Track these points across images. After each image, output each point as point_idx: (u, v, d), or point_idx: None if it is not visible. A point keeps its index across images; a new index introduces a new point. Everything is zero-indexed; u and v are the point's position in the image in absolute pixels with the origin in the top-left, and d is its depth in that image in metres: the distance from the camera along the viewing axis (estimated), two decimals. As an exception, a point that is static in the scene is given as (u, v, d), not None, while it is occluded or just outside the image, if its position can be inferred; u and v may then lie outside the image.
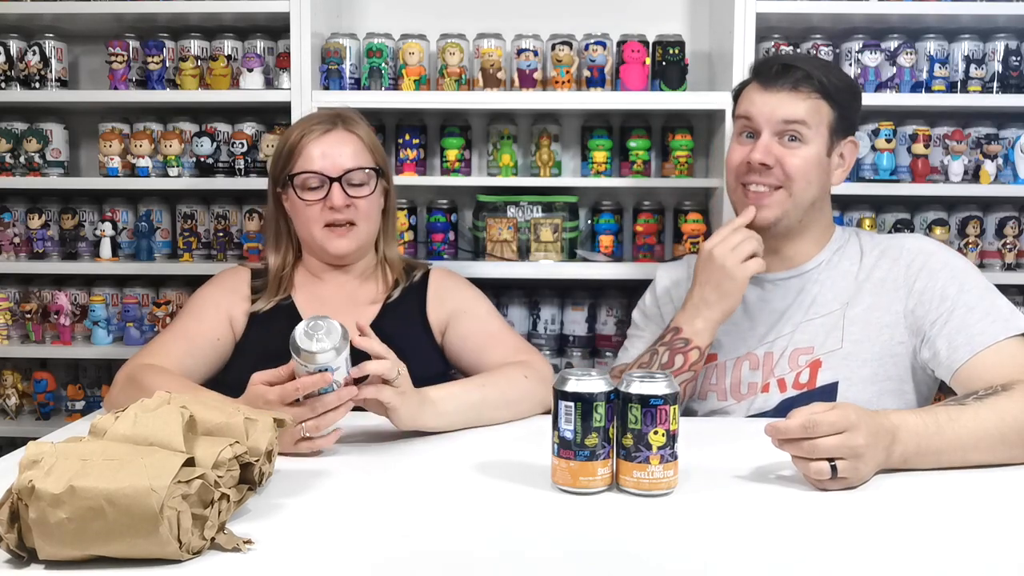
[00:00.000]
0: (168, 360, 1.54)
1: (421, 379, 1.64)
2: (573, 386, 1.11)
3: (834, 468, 1.11)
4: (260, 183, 2.41)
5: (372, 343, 1.31)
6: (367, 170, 1.63)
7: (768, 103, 1.53)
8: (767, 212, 1.54)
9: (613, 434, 1.13)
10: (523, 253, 2.41)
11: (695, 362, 1.52)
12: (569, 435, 1.11)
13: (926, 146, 2.37)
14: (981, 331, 1.42)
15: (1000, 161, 2.38)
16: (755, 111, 1.54)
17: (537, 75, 2.37)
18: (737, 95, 1.64)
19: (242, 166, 2.43)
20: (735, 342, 1.61)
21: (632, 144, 2.46)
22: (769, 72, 1.55)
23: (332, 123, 1.65)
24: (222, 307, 1.64)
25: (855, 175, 2.40)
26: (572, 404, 1.11)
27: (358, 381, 1.29)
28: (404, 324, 1.68)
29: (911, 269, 1.53)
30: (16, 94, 2.47)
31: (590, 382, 1.11)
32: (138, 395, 1.40)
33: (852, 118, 1.59)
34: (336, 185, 1.59)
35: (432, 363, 1.69)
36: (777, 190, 1.53)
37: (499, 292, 2.53)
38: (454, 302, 1.72)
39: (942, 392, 1.64)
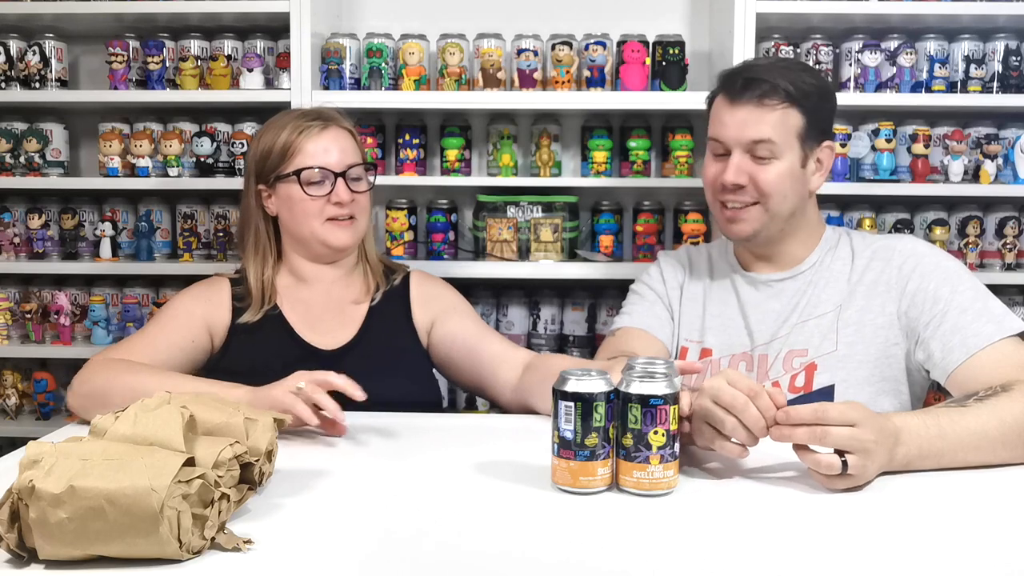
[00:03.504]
0: (132, 357, 1.54)
1: (410, 381, 1.64)
2: (573, 386, 1.11)
3: (844, 463, 1.11)
4: (260, 183, 2.42)
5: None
6: (365, 166, 1.66)
7: (735, 121, 1.52)
8: (744, 226, 1.55)
9: (613, 434, 1.13)
10: (523, 253, 2.41)
11: None
12: (569, 435, 1.11)
13: (926, 146, 2.37)
14: (975, 332, 1.42)
15: (1000, 161, 2.38)
16: (723, 133, 1.53)
17: (537, 75, 2.37)
18: (711, 103, 1.61)
19: (242, 166, 2.43)
20: (730, 339, 1.62)
21: (632, 144, 2.47)
22: (734, 86, 1.53)
23: (325, 120, 1.65)
24: (196, 315, 1.63)
25: (855, 175, 2.40)
26: (572, 404, 1.10)
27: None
28: (391, 327, 1.70)
29: (903, 271, 1.53)
30: (16, 94, 2.47)
31: (590, 382, 1.11)
32: (102, 385, 1.46)
33: (825, 121, 1.56)
34: (340, 180, 1.61)
35: (420, 365, 1.71)
36: (753, 206, 1.53)
37: (499, 292, 2.54)
38: (439, 302, 1.74)
39: (940, 392, 1.64)
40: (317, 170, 1.60)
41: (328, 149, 1.62)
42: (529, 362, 1.60)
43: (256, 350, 1.61)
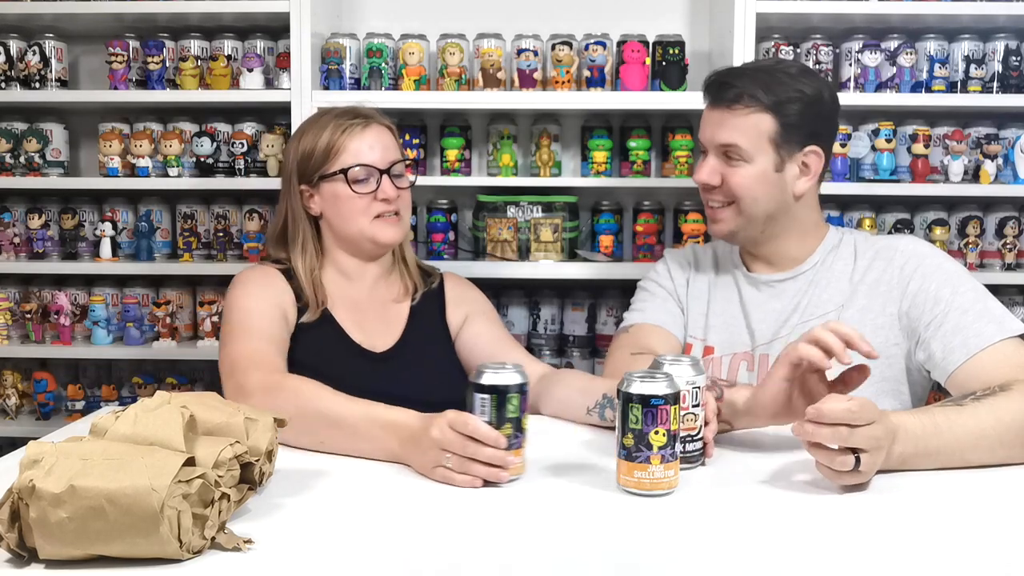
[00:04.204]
0: (277, 367, 1.47)
1: (451, 384, 1.65)
2: (488, 379, 1.15)
3: (858, 460, 1.11)
4: (260, 183, 2.42)
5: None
6: (407, 162, 1.68)
7: (709, 123, 1.57)
8: (722, 226, 1.59)
9: (527, 425, 1.16)
10: (523, 253, 2.41)
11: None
12: None
13: (926, 146, 2.37)
14: (976, 333, 1.42)
15: (1000, 161, 2.38)
16: (701, 134, 1.59)
17: (537, 75, 2.37)
18: None
19: (242, 166, 2.43)
20: (732, 338, 1.62)
21: (632, 144, 2.47)
22: (710, 89, 1.58)
23: (366, 118, 1.66)
24: (281, 307, 1.59)
25: (855, 175, 2.40)
26: (488, 396, 1.15)
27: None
28: (430, 329, 1.71)
29: (905, 271, 1.53)
30: (16, 94, 2.47)
31: (505, 375, 1.15)
32: (308, 408, 1.32)
33: (810, 126, 1.55)
34: (386, 177, 1.63)
35: (454, 365, 1.72)
36: (728, 206, 1.57)
37: (499, 292, 2.54)
38: (469, 304, 1.76)
39: (941, 392, 1.64)
40: (363, 168, 1.61)
41: (372, 146, 1.63)
42: (544, 374, 1.63)
43: (314, 351, 1.60)
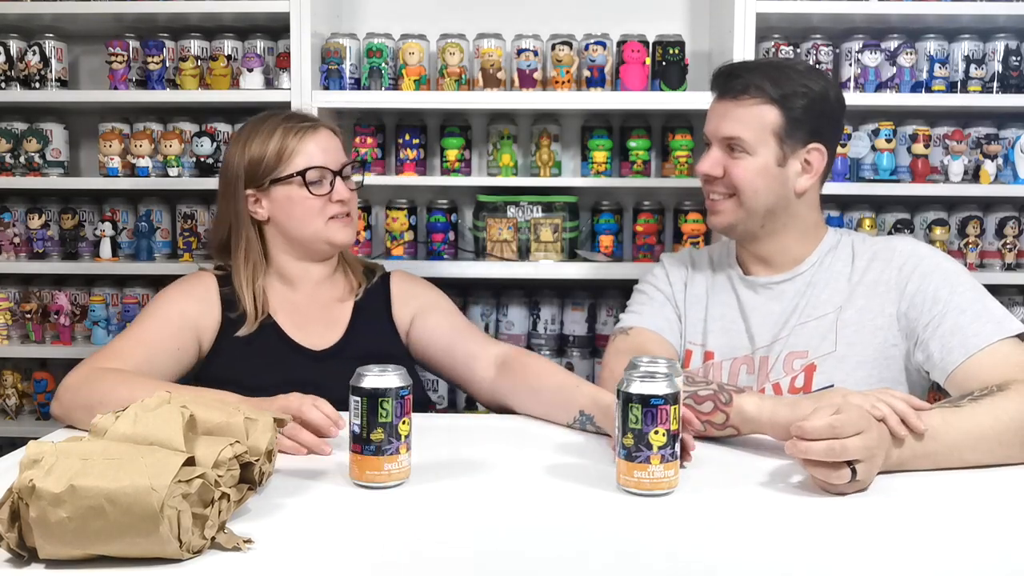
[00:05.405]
0: (126, 365, 1.49)
1: None
2: (363, 382, 1.14)
3: (853, 471, 1.11)
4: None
5: None
6: (355, 164, 1.69)
7: (714, 115, 1.58)
8: (721, 218, 1.60)
9: (406, 431, 1.14)
10: (523, 253, 2.41)
11: (714, 419, 1.35)
12: (357, 429, 1.14)
13: (926, 146, 2.37)
14: (975, 333, 1.42)
15: (1000, 161, 2.39)
16: (706, 126, 1.60)
17: (537, 75, 2.37)
18: None
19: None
20: (732, 342, 1.62)
21: (632, 144, 2.47)
22: (718, 80, 1.59)
23: (313, 121, 1.66)
24: (188, 316, 1.60)
25: (855, 175, 2.40)
26: (359, 399, 1.13)
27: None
28: (375, 327, 1.70)
29: (903, 272, 1.53)
30: (16, 94, 2.47)
31: (383, 378, 1.14)
32: (94, 398, 1.38)
33: (814, 123, 1.55)
34: (339, 178, 1.63)
35: (402, 362, 1.69)
36: (730, 198, 1.57)
37: (499, 292, 2.54)
38: (419, 300, 1.74)
39: (940, 392, 1.64)
40: (317, 170, 1.61)
41: (326, 149, 1.63)
42: (504, 360, 1.61)
43: (250, 359, 1.60)
